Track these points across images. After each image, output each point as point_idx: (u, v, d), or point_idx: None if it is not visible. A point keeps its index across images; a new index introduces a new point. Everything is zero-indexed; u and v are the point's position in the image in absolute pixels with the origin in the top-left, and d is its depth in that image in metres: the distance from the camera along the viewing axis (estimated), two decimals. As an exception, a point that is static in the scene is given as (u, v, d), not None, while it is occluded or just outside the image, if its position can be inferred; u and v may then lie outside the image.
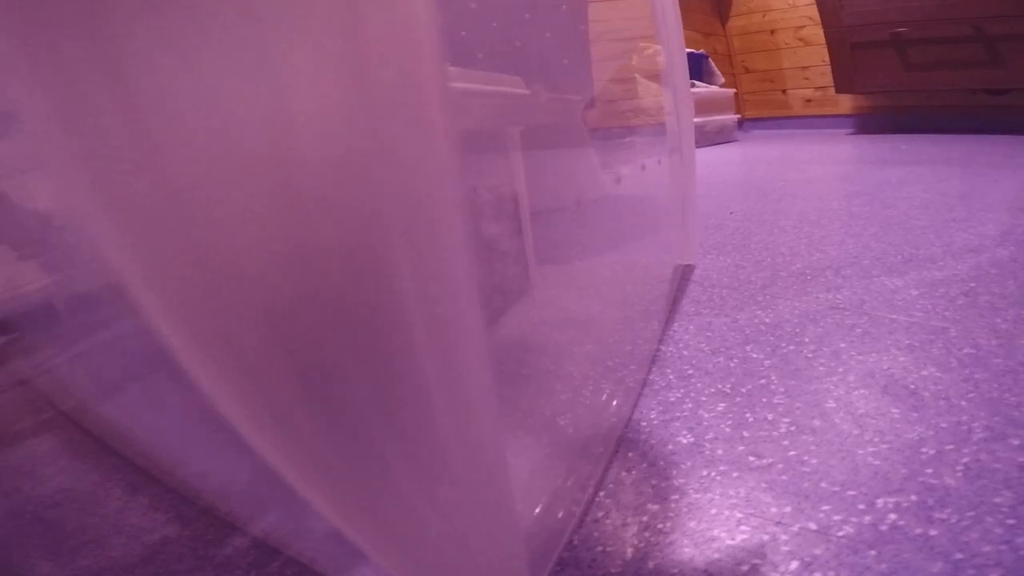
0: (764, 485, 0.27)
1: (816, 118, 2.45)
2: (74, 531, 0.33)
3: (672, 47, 0.60)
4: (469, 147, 0.56)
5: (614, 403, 0.36)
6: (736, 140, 2.41)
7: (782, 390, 0.36)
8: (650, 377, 0.40)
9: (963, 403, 0.33)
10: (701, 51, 2.36)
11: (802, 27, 2.35)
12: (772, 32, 2.49)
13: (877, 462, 0.28)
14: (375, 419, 0.13)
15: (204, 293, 0.11)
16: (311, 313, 0.12)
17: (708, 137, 2.31)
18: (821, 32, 1.96)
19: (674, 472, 0.28)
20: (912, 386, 0.36)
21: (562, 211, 0.96)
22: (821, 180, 1.25)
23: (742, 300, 0.54)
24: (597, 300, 0.58)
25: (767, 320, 0.49)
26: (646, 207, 0.85)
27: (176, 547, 0.30)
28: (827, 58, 2.00)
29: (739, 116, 2.46)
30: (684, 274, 0.64)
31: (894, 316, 0.47)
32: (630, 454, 0.31)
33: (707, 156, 1.97)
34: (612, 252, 0.75)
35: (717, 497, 0.26)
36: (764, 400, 0.35)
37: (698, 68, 2.32)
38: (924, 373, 0.37)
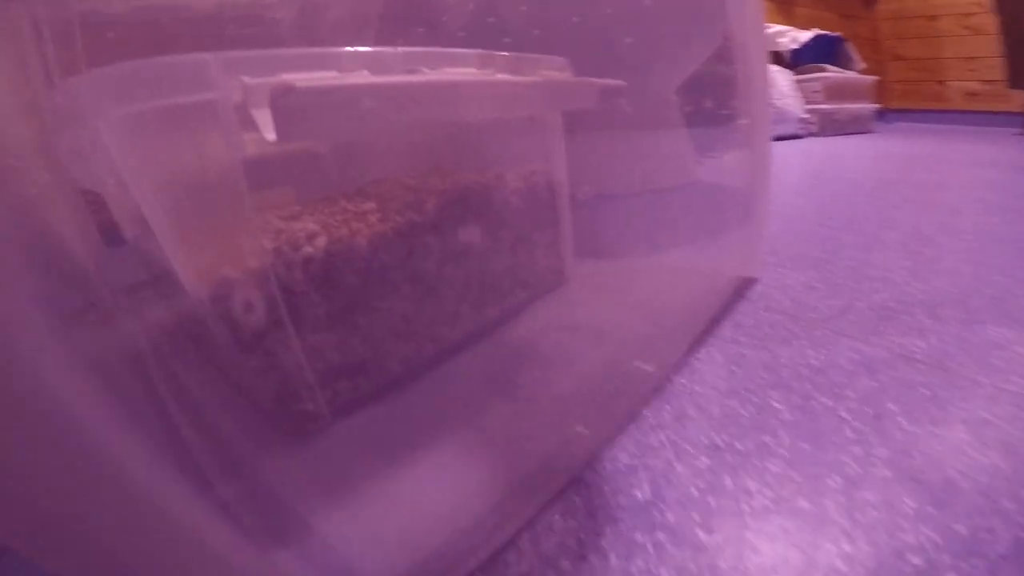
0: (693, 567, 0.23)
1: (979, 114, 2.09)
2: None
3: (745, 19, 0.53)
4: (498, 133, 0.53)
5: (587, 436, 0.33)
6: (872, 131, 2.12)
7: (786, 454, 0.31)
8: (645, 411, 0.36)
9: (1007, 503, 0.27)
10: (837, 34, 2.09)
11: (971, 15, 2.00)
12: (932, 18, 2.15)
13: (842, 565, 0.23)
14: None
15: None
16: None
17: (839, 126, 2.06)
18: (994, 21, 1.64)
19: (609, 529, 0.25)
20: (952, 474, 0.29)
21: (642, 196, 0.90)
22: (957, 186, 1.06)
23: (794, 332, 0.47)
24: (629, 308, 0.54)
25: (813, 362, 0.42)
26: (720, 204, 0.77)
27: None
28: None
29: (879, 105, 2.16)
30: (740, 289, 0.57)
31: (981, 379, 0.39)
32: (576, 498, 0.28)
33: (832, 147, 1.75)
34: (670, 250, 0.69)
35: (635, 570, 0.23)
36: (757, 463, 0.30)
37: (833, 51, 2.07)
38: (978, 458, 0.30)
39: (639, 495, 0.28)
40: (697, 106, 0.91)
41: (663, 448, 0.32)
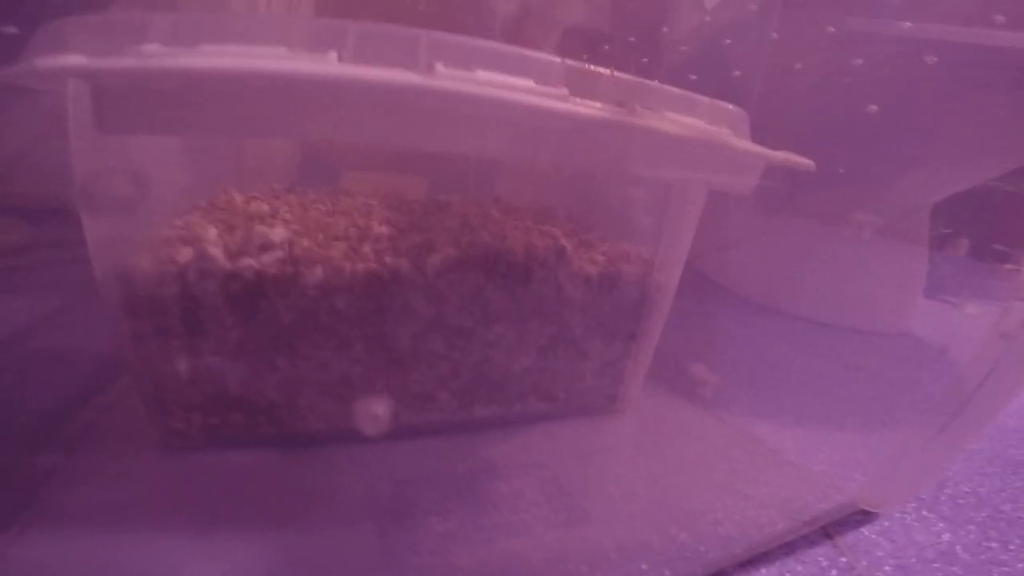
0: None
1: None
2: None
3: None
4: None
5: None
6: None
7: None
8: None
9: None
10: None
11: None
12: None
13: None
14: None
15: None
16: None
17: None
18: None
19: None
20: None
21: (804, 324, 0.69)
22: None
23: None
24: (661, 489, 0.38)
25: None
26: (909, 378, 0.53)
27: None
28: None
29: None
30: (838, 524, 0.38)
31: None
32: None
33: None
34: (789, 426, 0.49)
35: None
36: None
37: None
38: None
39: None
40: (959, 231, 0.67)
41: None
